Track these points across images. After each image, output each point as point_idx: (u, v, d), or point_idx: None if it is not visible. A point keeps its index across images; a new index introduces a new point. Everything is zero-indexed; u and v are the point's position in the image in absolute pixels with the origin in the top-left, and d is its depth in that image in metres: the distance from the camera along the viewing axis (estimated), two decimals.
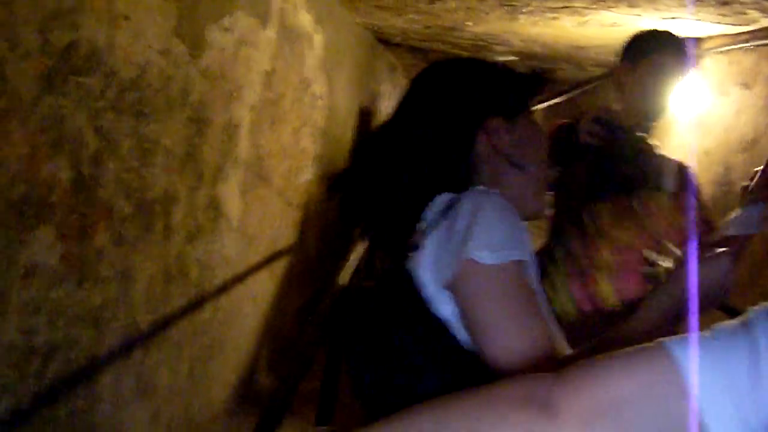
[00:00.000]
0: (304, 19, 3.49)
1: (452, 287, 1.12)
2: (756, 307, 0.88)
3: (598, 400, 0.86)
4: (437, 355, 1.13)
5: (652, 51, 2.47)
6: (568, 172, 2.43)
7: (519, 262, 1.14)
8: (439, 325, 1.13)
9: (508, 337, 1.09)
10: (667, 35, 2.53)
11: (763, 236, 3.40)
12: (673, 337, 0.88)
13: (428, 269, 1.15)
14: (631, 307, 2.19)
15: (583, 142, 2.29)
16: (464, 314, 1.12)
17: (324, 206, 4.30)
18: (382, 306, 1.19)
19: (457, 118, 1.29)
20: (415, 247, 1.17)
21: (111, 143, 1.93)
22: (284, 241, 3.66)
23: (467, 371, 1.10)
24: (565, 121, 2.62)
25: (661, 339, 0.88)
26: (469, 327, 1.11)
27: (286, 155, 3.52)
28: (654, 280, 2.26)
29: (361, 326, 1.23)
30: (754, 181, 2.11)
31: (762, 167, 2.18)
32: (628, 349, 0.90)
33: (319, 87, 3.94)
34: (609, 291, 2.32)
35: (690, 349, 0.85)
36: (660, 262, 2.24)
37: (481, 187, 1.19)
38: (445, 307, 1.13)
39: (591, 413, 0.85)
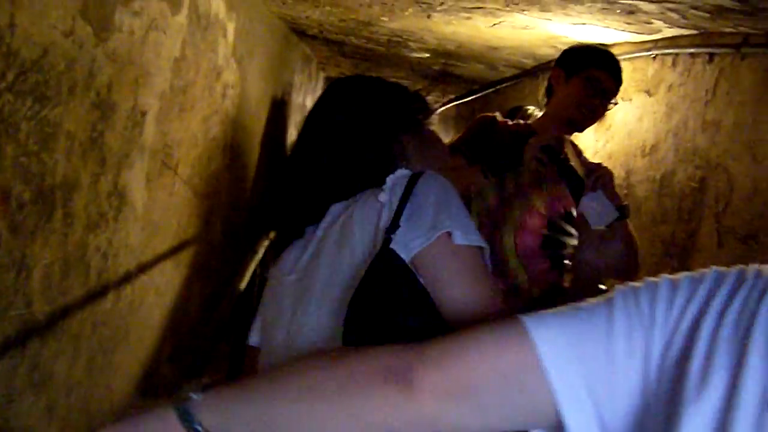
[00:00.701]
0: (217, 6, 3.44)
1: (420, 258, 1.22)
2: (620, 286, 0.90)
3: (457, 379, 0.88)
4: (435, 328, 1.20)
5: (590, 66, 2.55)
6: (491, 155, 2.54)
7: (482, 249, 1.27)
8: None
9: (474, 308, 1.21)
10: (606, 54, 2.62)
11: (660, 240, 3.53)
12: (532, 314, 0.90)
13: (401, 244, 1.22)
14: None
15: (529, 167, 2.42)
16: (432, 286, 1.22)
17: (232, 197, 4.25)
18: (381, 289, 1.23)
19: (378, 136, 1.44)
20: (395, 228, 1.24)
21: (9, 126, 1.85)
22: (190, 231, 3.60)
23: None
24: (487, 114, 2.73)
25: (522, 315, 0.90)
26: (436, 300, 1.22)
27: (195, 144, 3.46)
28: (559, 255, 2.43)
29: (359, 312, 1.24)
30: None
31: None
32: (488, 326, 0.92)
33: (230, 75, 3.89)
34: (511, 244, 2.45)
35: (547, 328, 0.87)
36: (564, 239, 2.41)
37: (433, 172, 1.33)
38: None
39: (449, 392, 0.88)
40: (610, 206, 2.16)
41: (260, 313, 1.49)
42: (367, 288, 1.22)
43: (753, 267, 0.87)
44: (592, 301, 0.90)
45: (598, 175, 2.23)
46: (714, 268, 0.88)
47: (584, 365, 0.84)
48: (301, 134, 1.50)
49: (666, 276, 0.89)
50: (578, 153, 2.47)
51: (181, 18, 2.96)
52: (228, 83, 3.86)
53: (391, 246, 1.21)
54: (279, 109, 5.62)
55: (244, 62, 4.14)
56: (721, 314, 0.81)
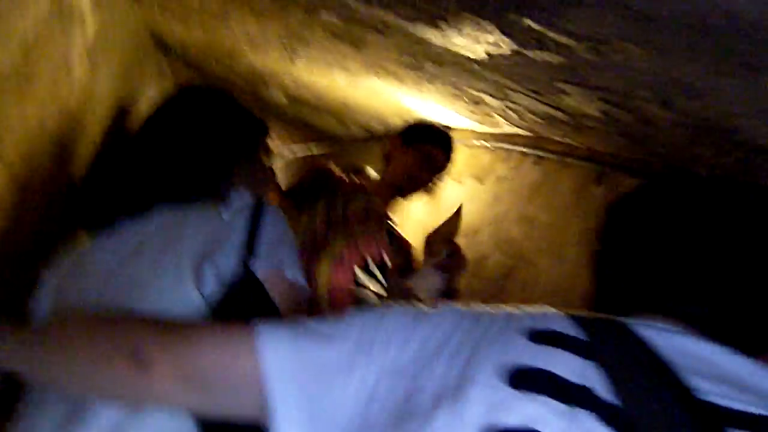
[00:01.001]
0: (82, 0, 3.38)
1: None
2: (360, 311, 1.00)
3: (188, 365, 0.97)
4: None
5: (427, 141, 2.72)
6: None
7: (303, 287, 1.40)
8: None
9: None
10: (443, 134, 2.81)
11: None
12: (269, 322, 1.00)
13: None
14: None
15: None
16: None
17: (57, 193, 4.11)
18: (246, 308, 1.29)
19: (218, 151, 1.48)
20: (252, 253, 1.33)
21: None
22: (4, 220, 3.45)
23: None
24: (325, 165, 2.85)
25: (258, 322, 0.99)
26: None
27: (30, 135, 3.34)
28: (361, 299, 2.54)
29: None
30: (440, 251, 2.38)
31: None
32: (226, 325, 1.02)
33: (82, 73, 3.80)
34: (325, 276, 2.51)
35: (277, 340, 0.95)
36: (367, 283, 2.51)
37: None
38: None
39: (180, 375, 0.96)
40: (440, 286, 2.23)
41: (52, 288, 1.46)
42: (231, 304, 1.27)
43: (489, 307, 0.98)
44: (333, 319, 0.99)
45: (456, 259, 2.36)
46: (451, 306, 0.98)
47: (304, 385, 0.91)
48: (144, 127, 1.51)
49: (398, 308, 0.98)
50: (453, 228, 2.61)
51: (42, 4, 2.90)
52: (78, 80, 3.77)
53: (252, 269, 1.28)
54: (126, 117, 5.50)
55: (99, 63, 4.05)
56: (455, 352, 0.89)
